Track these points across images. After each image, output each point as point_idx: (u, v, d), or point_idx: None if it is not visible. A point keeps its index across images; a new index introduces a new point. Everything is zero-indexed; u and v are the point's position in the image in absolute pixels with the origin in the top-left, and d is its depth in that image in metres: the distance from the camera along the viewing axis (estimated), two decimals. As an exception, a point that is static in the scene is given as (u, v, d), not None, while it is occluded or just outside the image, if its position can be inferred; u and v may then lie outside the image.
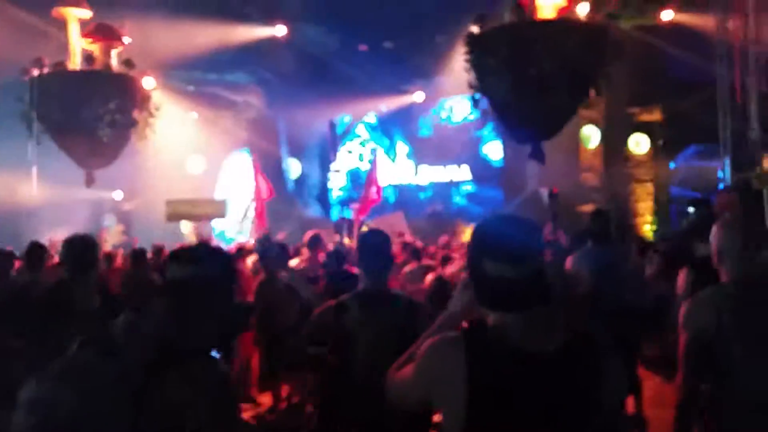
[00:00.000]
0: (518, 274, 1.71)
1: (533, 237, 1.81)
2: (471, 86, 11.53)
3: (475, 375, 1.65)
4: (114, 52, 12.20)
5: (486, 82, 11.02)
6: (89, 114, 11.47)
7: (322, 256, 6.93)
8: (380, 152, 11.20)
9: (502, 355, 1.67)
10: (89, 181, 11.96)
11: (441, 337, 1.82)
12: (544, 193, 11.13)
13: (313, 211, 17.05)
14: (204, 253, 2.14)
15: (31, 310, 3.84)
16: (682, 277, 4.17)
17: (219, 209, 13.94)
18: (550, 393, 1.64)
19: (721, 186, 9.24)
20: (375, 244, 3.29)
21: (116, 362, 1.80)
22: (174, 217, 14.09)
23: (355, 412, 3.06)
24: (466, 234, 13.29)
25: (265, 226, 12.66)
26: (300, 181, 17.23)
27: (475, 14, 11.07)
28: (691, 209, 4.86)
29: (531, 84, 10.47)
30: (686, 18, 13.30)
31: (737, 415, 2.58)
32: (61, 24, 12.15)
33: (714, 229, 2.85)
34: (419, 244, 9.63)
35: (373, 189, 11.28)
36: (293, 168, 17.11)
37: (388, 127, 18.21)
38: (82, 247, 3.88)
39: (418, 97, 17.17)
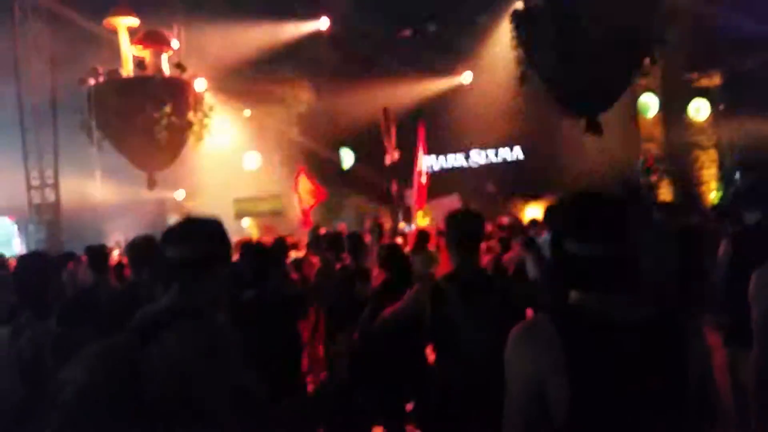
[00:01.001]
0: (605, 254, 1.67)
1: (623, 214, 1.73)
2: (519, 63, 11.34)
3: (571, 349, 1.63)
4: (164, 57, 12.51)
5: (535, 57, 10.83)
6: (145, 118, 11.80)
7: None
8: (422, 132, 11.03)
9: (592, 327, 1.66)
10: (151, 184, 12.33)
11: (523, 324, 1.78)
12: (637, 163, 10.81)
13: (368, 198, 17.10)
14: (194, 230, 2.18)
15: (99, 312, 3.97)
16: (721, 247, 3.97)
17: (277, 204, 14.17)
18: (642, 362, 1.63)
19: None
20: (467, 224, 3.19)
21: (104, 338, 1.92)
22: (241, 214, 14.38)
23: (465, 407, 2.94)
24: (522, 213, 13.11)
25: (311, 226, 12.79)
26: (353, 171, 17.30)
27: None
28: (737, 176, 4.53)
29: (581, 56, 10.23)
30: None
31: None
32: (113, 33, 12.51)
33: None
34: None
35: (421, 172, 11.16)
36: (346, 158, 17.19)
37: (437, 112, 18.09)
38: (144, 247, 3.97)
39: (465, 78, 16.97)
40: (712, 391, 1.72)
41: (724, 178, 13.71)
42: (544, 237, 5.69)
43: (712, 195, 13.80)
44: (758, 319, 2.60)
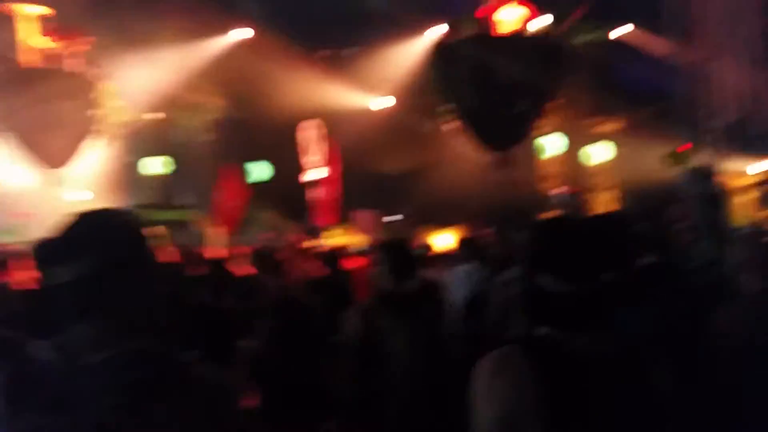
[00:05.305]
0: (576, 291, 1.58)
1: (596, 249, 1.64)
2: (437, 96, 11.80)
3: (544, 384, 1.54)
4: (74, 51, 11.99)
5: (453, 92, 11.31)
6: (50, 113, 11.25)
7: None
8: (335, 150, 11.13)
9: (563, 361, 1.58)
10: (47, 180, 11.73)
11: (493, 358, 1.64)
12: (562, 191, 11.27)
13: (283, 214, 16.90)
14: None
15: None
16: None
17: (184, 215, 13.81)
18: (612, 397, 1.58)
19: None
20: (401, 252, 3.44)
21: None
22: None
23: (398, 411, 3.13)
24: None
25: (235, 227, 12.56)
26: (269, 185, 17.08)
27: (445, 23, 11.39)
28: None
29: (495, 95, 10.81)
30: (640, 36, 13.86)
31: None
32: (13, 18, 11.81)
33: None
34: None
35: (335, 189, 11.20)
36: (258, 170, 16.99)
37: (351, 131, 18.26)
38: None
39: (380, 102, 17.21)
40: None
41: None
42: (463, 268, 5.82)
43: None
44: None
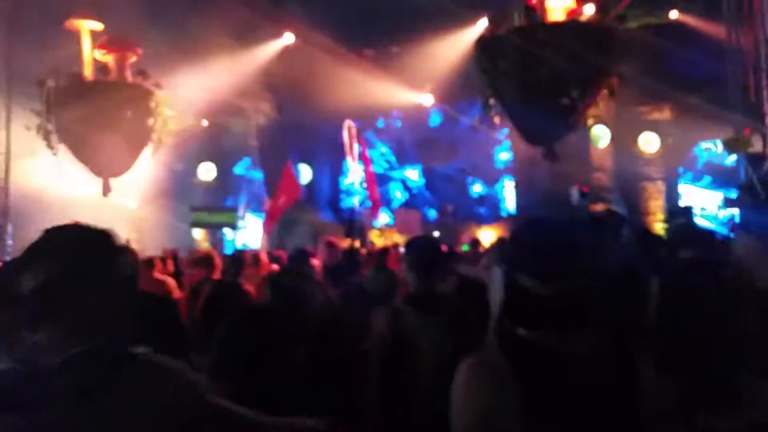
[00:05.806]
0: (553, 292, 1.58)
1: (577, 249, 1.64)
2: (482, 89, 11.66)
3: (522, 383, 1.54)
4: (127, 63, 12.34)
5: (498, 84, 11.15)
6: (106, 124, 11.60)
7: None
8: (365, 150, 11.17)
9: (543, 360, 1.57)
10: (106, 190, 12.07)
11: (473, 358, 1.66)
12: (574, 192, 11.14)
13: (324, 216, 17.15)
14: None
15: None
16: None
17: (232, 218, 14.16)
18: (592, 395, 1.56)
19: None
20: (425, 249, 3.36)
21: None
22: (197, 224, 14.33)
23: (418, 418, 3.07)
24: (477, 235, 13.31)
25: (273, 226, 12.75)
26: (310, 187, 17.32)
27: (488, 15, 11.23)
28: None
29: (543, 86, 10.60)
30: (692, 20, 13.46)
31: None
32: (73, 36, 12.26)
33: None
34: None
35: (374, 189, 11.31)
36: (303, 173, 17.23)
37: (399, 131, 18.39)
38: None
39: (427, 100, 17.17)
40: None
41: (669, 211, 14.28)
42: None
43: (659, 225, 14.32)
44: None
